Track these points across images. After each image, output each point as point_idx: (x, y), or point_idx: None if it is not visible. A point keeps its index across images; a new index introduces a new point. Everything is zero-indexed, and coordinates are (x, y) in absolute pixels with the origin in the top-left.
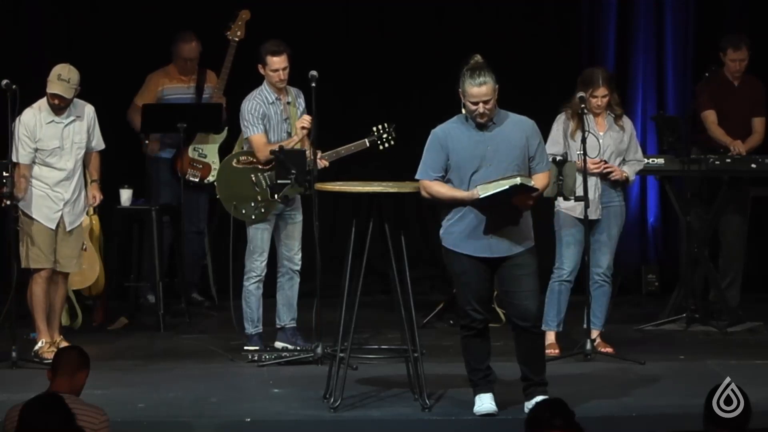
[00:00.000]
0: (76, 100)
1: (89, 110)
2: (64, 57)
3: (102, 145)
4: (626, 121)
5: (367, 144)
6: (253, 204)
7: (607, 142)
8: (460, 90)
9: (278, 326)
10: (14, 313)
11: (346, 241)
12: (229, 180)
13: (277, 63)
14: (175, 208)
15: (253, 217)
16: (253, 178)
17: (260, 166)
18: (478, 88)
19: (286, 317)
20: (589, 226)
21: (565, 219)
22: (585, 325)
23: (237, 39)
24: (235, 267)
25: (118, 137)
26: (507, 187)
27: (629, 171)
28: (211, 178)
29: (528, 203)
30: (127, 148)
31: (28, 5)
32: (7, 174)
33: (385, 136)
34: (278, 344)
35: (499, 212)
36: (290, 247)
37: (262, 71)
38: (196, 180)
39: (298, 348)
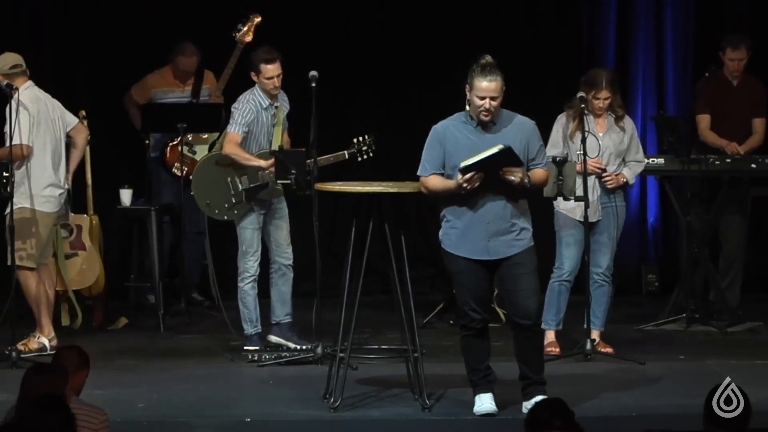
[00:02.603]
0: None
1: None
2: (64, 57)
3: None
4: (627, 122)
5: (347, 156)
6: (226, 205)
7: (606, 143)
8: (467, 84)
9: (273, 322)
10: (14, 313)
11: (346, 241)
12: (205, 179)
13: (272, 70)
14: (175, 209)
15: (226, 217)
16: (229, 180)
17: (239, 168)
18: (488, 83)
19: (281, 312)
20: (589, 226)
21: (565, 220)
22: (585, 325)
23: (245, 42)
24: (223, 270)
25: (118, 137)
26: (495, 151)
27: (628, 174)
28: None
29: (513, 175)
30: (127, 149)
31: (28, 5)
32: (7, 174)
33: (364, 148)
34: (272, 338)
35: (495, 213)
36: (279, 243)
37: (255, 78)
38: (181, 174)
39: (298, 347)
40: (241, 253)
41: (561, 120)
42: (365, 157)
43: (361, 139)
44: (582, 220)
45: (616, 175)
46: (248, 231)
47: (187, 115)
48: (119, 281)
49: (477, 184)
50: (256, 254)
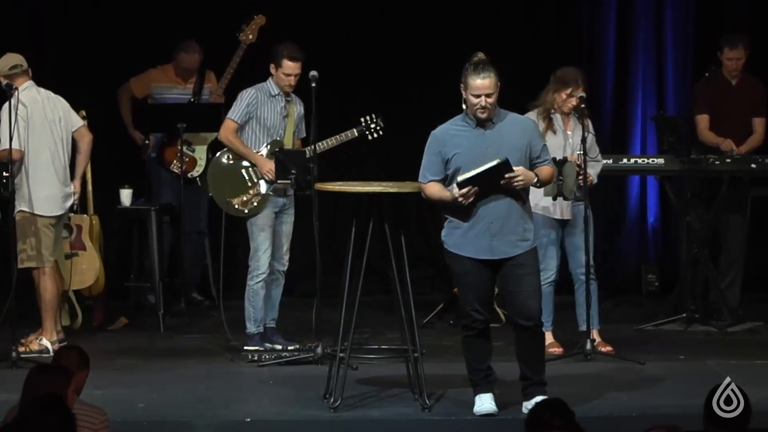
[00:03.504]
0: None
1: None
2: (64, 57)
3: None
4: (588, 122)
5: (356, 134)
6: (245, 198)
7: (576, 141)
8: (462, 84)
9: None
10: (14, 313)
11: (346, 241)
12: (221, 176)
13: (292, 68)
14: (175, 209)
15: (246, 212)
16: (244, 172)
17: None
18: (482, 81)
19: (267, 317)
20: (561, 226)
21: (541, 220)
22: (585, 326)
23: (248, 42)
24: (223, 270)
25: (118, 137)
26: (494, 164)
27: (593, 173)
28: (194, 173)
29: (517, 181)
30: (127, 149)
31: (28, 5)
32: (7, 174)
33: (373, 126)
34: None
35: (499, 213)
36: (279, 247)
37: (273, 71)
38: (179, 172)
39: (298, 347)
40: (252, 251)
41: (530, 118)
42: (375, 135)
43: (368, 117)
44: (559, 218)
45: None
46: (261, 229)
47: (187, 114)
48: (119, 281)
49: (472, 198)
50: (266, 252)
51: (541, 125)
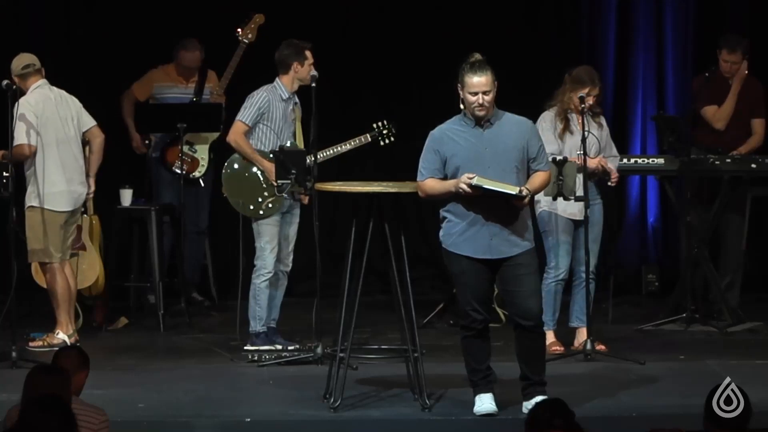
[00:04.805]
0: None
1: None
2: (64, 57)
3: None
4: (602, 119)
5: (369, 138)
6: (260, 199)
7: (592, 141)
8: (459, 84)
9: None
10: (15, 313)
11: (346, 241)
12: (236, 177)
13: (311, 57)
14: (175, 208)
15: (261, 212)
16: (260, 174)
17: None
18: (479, 78)
19: (268, 317)
20: (575, 226)
21: (557, 219)
22: (577, 323)
23: (247, 41)
24: (223, 270)
25: (118, 137)
26: (511, 193)
27: (613, 167)
28: (197, 174)
29: (524, 204)
30: (127, 149)
31: (28, 5)
32: (8, 174)
33: (385, 132)
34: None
35: (498, 213)
36: (283, 247)
37: (297, 68)
38: (182, 173)
39: (298, 347)
40: (258, 249)
41: (548, 117)
42: (387, 141)
43: (381, 124)
44: (575, 218)
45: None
46: (268, 227)
47: (188, 114)
48: (119, 281)
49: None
50: (274, 251)
51: (559, 126)
